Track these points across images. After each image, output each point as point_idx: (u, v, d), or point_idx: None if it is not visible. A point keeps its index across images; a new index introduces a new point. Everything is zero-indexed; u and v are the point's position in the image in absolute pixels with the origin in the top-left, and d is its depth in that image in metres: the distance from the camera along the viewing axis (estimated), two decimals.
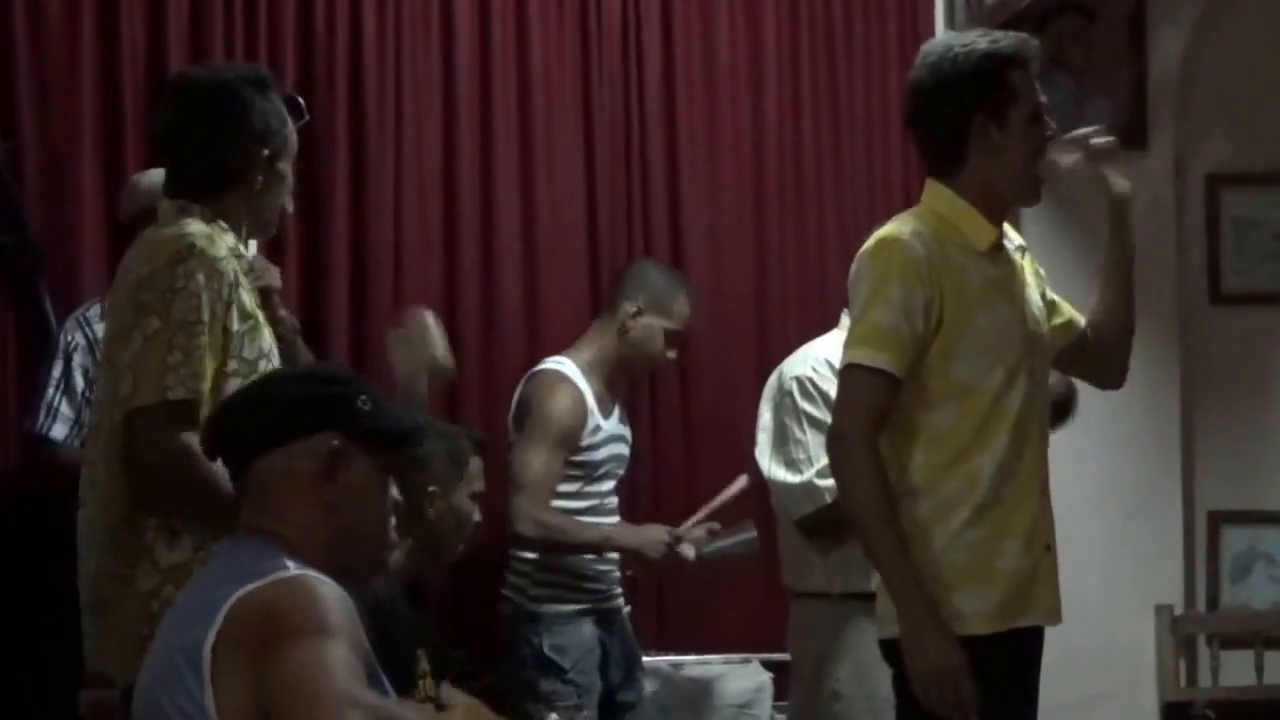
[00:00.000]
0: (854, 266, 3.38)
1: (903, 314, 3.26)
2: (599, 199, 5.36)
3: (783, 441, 4.44)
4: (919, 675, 3.20)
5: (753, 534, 4.76)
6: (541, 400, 4.77)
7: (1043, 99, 3.39)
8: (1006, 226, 3.46)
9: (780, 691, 4.95)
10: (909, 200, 3.81)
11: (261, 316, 3.31)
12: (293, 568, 2.58)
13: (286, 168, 3.41)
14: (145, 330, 3.17)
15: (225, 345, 3.20)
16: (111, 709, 3.27)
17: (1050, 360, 3.51)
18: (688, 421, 5.39)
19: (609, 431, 4.87)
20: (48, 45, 4.90)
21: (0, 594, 4.47)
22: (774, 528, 4.61)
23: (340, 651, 2.49)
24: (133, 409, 3.15)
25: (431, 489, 4.21)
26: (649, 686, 4.98)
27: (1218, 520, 5.75)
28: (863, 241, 3.44)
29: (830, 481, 4.06)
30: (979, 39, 3.38)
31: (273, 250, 4.47)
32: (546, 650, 4.72)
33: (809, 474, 4.35)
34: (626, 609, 4.95)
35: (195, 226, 3.25)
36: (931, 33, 5.46)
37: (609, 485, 4.89)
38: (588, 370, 4.84)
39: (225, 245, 3.26)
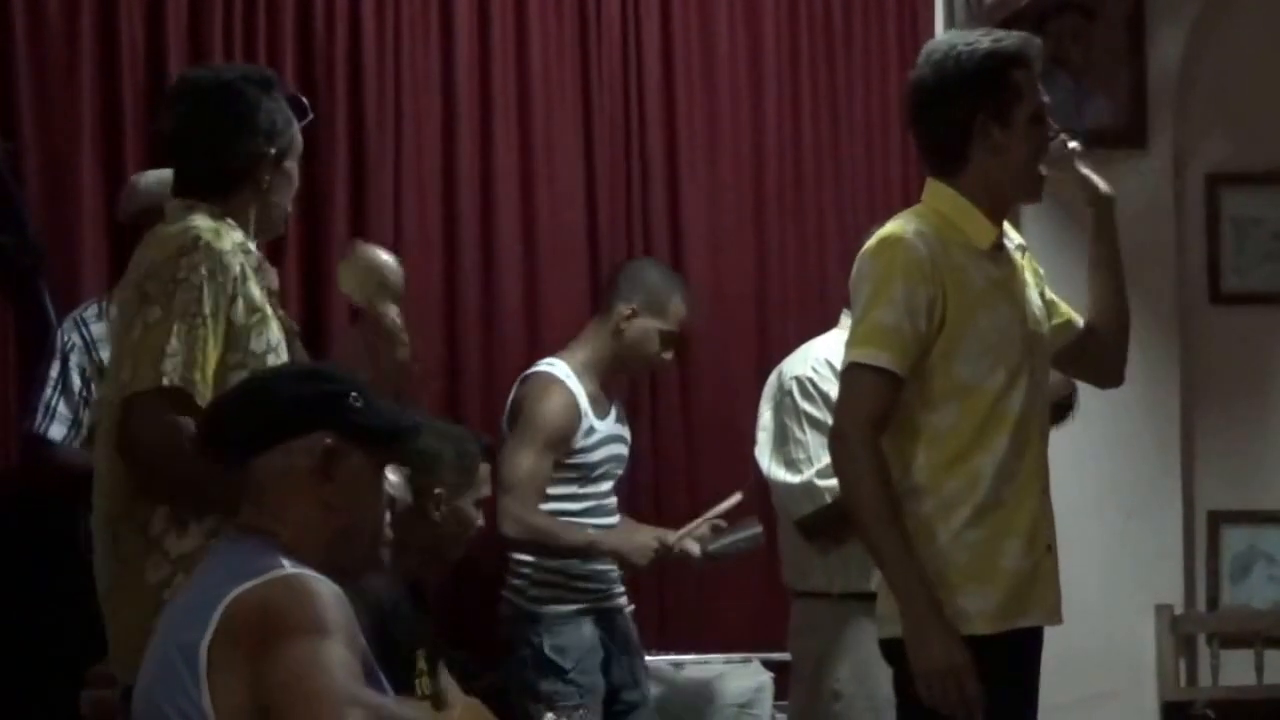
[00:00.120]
0: (856, 266, 3.38)
1: (905, 313, 3.25)
2: (599, 199, 5.36)
3: (783, 441, 4.44)
4: (923, 673, 3.20)
5: (758, 529, 4.75)
6: (533, 403, 4.76)
7: (1045, 98, 3.39)
8: (1006, 225, 3.46)
9: (781, 691, 4.94)
10: (909, 200, 3.80)
11: (270, 310, 3.31)
12: (289, 566, 2.59)
13: (293, 167, 3.42)
14: (147, 319, 3.18)
15: (228, 338, 3.21)
16: (113, 709, 3.28)
17: (1050, 360, 3.52)
18: (688, 421, 5.38)
19: (605, 432, 4.86)
20: (48, 45, 4.90)
21: (0, 594, 4.47)
22: (774, 527, 4.62)
23: (338, 650, 2.50)
24: (130, 394, 3.17)
25: (438, 491, 4.20)
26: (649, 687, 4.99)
27: (1218, 520, 5.74)
28: (863, 241, 3.44)
29: (830, 481, 4.07)
30: (982, 38, 3.38)
31: (273, 250, 4.46)
32: (547, 651, 4.71)
33: (809, 474, 4.35)
34: (630, 609, 4.95)
35: (202, 221, 3.26)
36: (931, 33, 5.45)
37: (607, 486, 4.88)
38: (581, 371, 4.83)
39: (232, 240, 3.26)
